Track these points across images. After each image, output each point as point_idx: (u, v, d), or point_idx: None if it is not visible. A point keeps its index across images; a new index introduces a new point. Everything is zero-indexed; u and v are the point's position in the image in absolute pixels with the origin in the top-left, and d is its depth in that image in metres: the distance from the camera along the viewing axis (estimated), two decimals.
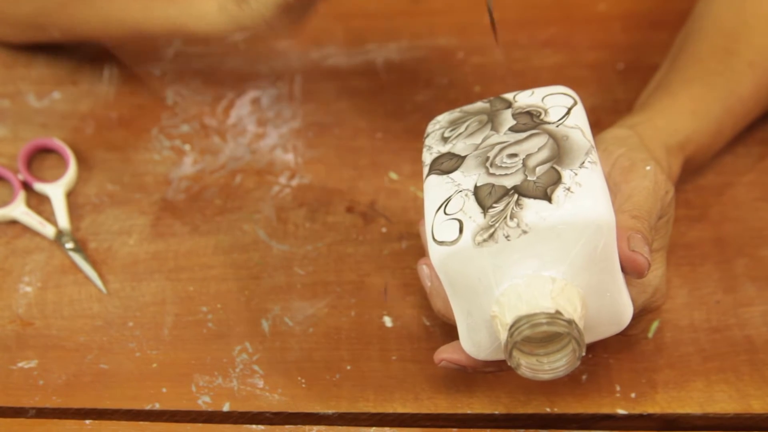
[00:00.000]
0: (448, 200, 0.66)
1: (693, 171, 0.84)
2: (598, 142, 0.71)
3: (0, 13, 0.91)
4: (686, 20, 0.88)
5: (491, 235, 0.63)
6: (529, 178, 0.65)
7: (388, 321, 0.80)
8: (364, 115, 0.92)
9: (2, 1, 0.89)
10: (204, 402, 0.76)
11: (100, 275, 0.83)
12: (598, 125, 0.70)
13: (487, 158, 0.67)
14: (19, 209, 0.86)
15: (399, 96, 0.93)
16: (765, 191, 0.86)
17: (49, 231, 0.85)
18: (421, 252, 0.81)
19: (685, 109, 0.79)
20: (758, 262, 0.82)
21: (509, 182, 0.65)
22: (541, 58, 0.95)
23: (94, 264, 0.83)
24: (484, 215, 0.64)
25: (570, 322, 0.62)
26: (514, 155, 0.67)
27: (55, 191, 0.87)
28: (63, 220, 0.85)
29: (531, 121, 0.69)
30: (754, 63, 0.82)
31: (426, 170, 0.69)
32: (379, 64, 0.96)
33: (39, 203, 0.87)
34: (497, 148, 0.68)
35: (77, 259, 0.83)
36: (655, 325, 0.79)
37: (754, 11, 0.84)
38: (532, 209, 0.63)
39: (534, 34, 0.97)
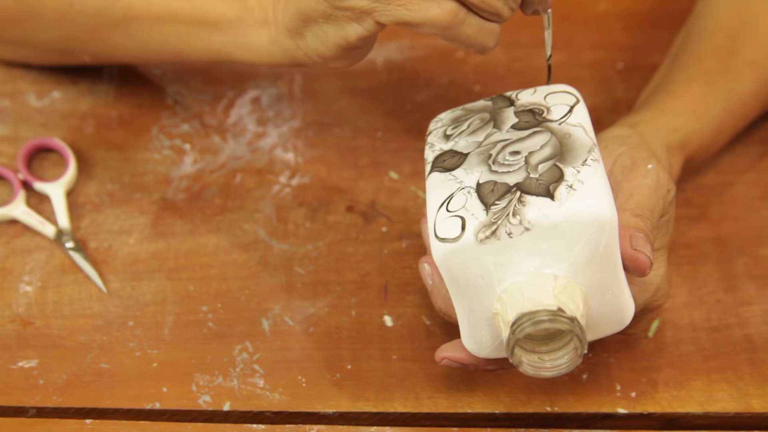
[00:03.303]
0: (450, 197, 0.66)
1: (693, 170, 0.84)
2: (599, 140, 0.71)
3: (28, 38, 0.88)
4: (686, 19, 0.88)
5: (494, 233, 0.63)
6: (531, 176, 0.65)
7: (388, 320, 0.80)
8: (364, 115, 0.92)
9: (30, 26, 0.86)
10: (204, 401, 0.76)
11: (101, 275, 0.83)
12: (598, 124, 0.70)
13: (490, 155, 0.67)
14: (19, 208, 0.86)
15: (399, 95, 0.93)
16: (765, 190, 0.86)
17: (49, 230, 0.85)
18: (422, 251, 0.81)
19: (686, 109, 0.79)
20: (758, 261, 0.82)
21: (512, 179, 0.65)
22: (542, 58, 0.94)
23: (94, 263, 0.83)
24: (487, 212, 0.64)
25: (572, 319, 0.62)
26: (517, 153, 0.67)
27: (55, 190, 0.86)
28: (63, 219, 0.85)
29: (533, 119, 0.69)
30: (754, 62, 0.82)
31: (428, 167, 0.69)
32: (379, 63, 0.96)
33: (39, 202, 0.87)
34: (500, 145, 0.68)
35: (77, 258, 0.83)
36: (655, 324, 0.79)
37: (755, 10, 0.84)
38: (535, 206, 0.63)
39: (534, 34, 0.96)
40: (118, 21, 0.82)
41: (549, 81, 0.73)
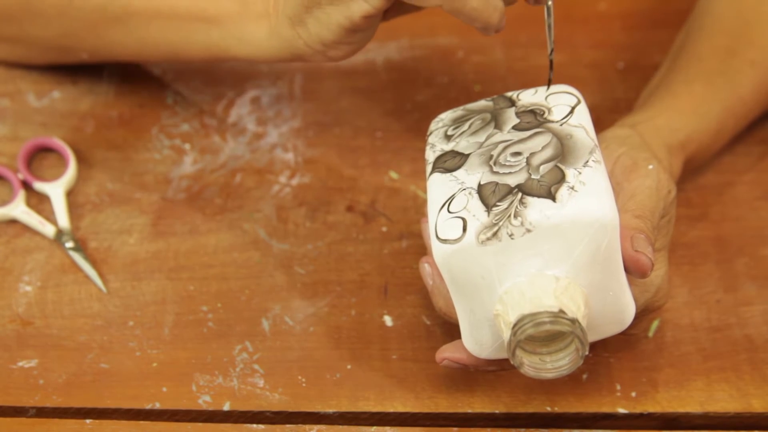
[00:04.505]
0: (451, 198, 0.66)
1: (693, 170, 0.84)
2: (599, 141, 0.71)
3: (25, 35, 0.88)
4: (686, 19, 0.88)
5: (495, 234, 0.63)
6: (533, 177, 0.65)
7: (388, 320, 0.80)
8: (364, 114, 0.92)
9: (28, 23, 0.85)
10: (204, 401, 0.76)
11: (100, 274, 0.83)
12: (598, 124, 0.70)
13: (491, 156, 0.67)
14: (19, 208, 0.85)
15: (399, 95, 0.93)
16: (765, 190, 0.86)
17: (49, 230, 0.85)
18: (422, 251, 0.81)
19: (686, 109, 0.79)
20: (758, 262, 0.82)
21: (513, 180, 0.65)
22: (542, 57, 0.95)
23: (94, 263, 0.83)
24: (488, 213, 0.64)
25: (573, 321, 0.62)
26: (518, 154, 0.67)
27: (55, 190, 0.86)
28: (63, 219, 0.85)
29: (535, 119, 0.69)
30: (755, 62, 0.82)
31: (429, 168, 0.69)
32: (379, 63, 0.95)
33: (39, 202, 0.87)
34: (501, 146, 0.68)
35: (77, 258, 0.83)
36: (655, 324, 0.79)
37: (755, 10, 0.84)
38: (537, 208, 0.63)
39: (534, 33, 0.97)
40: (117, 17, 0.82)
41: (551, 76, 0.72)
